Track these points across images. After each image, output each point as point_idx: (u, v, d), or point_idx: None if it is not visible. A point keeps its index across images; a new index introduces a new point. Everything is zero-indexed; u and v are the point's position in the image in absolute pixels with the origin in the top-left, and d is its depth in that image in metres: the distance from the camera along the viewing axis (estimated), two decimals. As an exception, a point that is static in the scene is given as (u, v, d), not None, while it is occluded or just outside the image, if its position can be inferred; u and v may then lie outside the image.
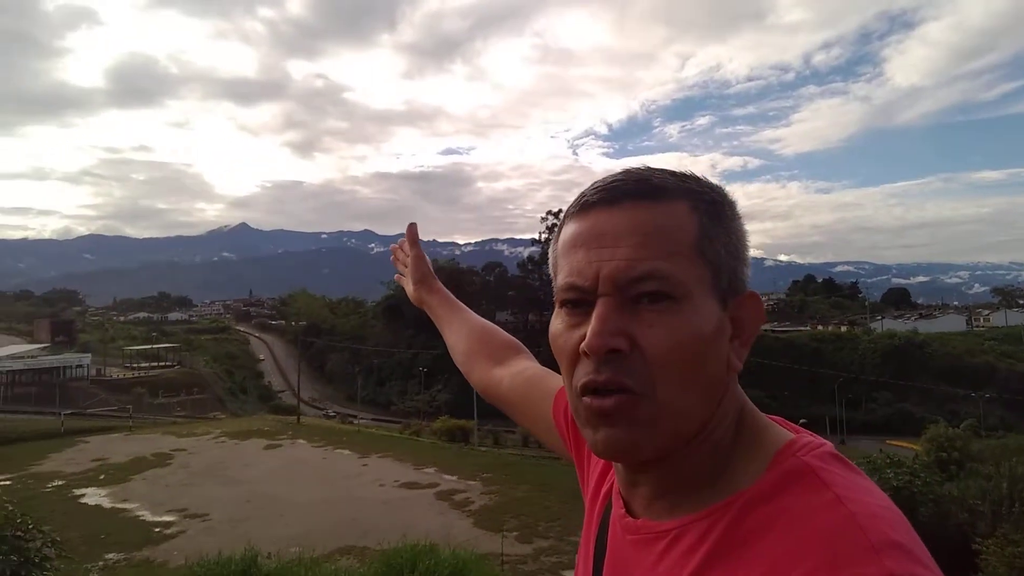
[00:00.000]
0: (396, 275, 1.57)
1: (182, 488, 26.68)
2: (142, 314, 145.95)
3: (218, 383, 76.51)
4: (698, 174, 0.69)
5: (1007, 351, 65.96)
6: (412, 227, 1.47)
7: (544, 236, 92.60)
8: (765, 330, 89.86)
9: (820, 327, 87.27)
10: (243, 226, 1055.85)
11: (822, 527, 0.53)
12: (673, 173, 0.68)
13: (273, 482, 27.80)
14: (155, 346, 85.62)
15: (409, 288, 1.50)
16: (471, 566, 9.11)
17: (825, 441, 0.64)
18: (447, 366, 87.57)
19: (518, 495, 26.66)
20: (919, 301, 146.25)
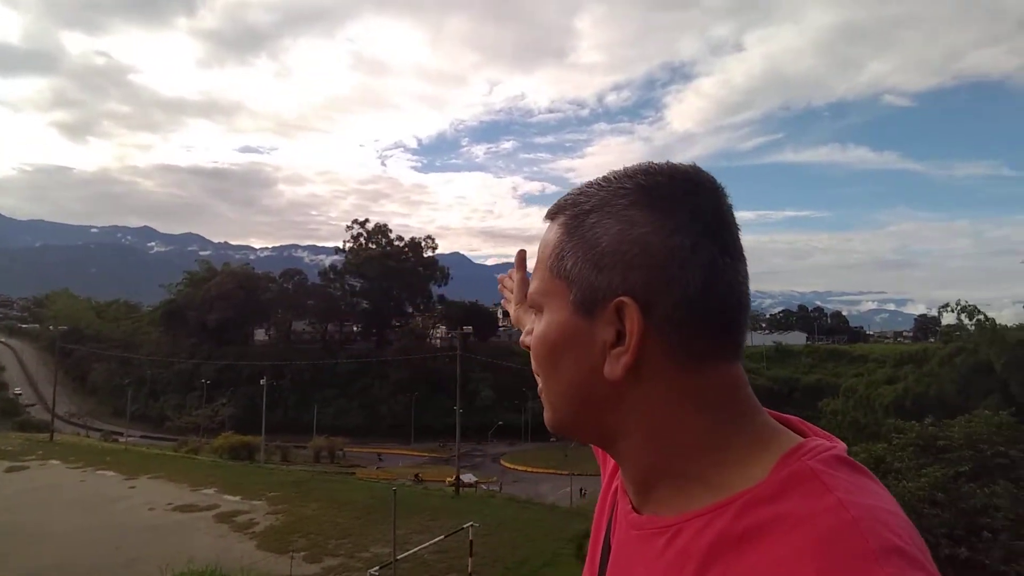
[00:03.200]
0: (503, 300, 1.50)
1: None
2: None
3: (-54, 396, 65.19)
4: (623, 169, 0.70)
5: (749, 367, 75.92)
6: (521, 253, 1.41)
7: (349, 245, 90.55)
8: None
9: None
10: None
11: (823, 532, 0.53)
12: (599, 182, 0.70)
13: (19, 510, 24.41)
14: None
15: (512, 310, 1.42)
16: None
17: (836, 443, 0.65)
18: (234, 377, 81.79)
19: (307, 513, 25.83)
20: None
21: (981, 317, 46.44)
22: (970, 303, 47.98)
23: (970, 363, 47.95)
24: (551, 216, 0.73)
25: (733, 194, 0.68)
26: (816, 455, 0.61)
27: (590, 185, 0.71)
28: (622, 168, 0.70)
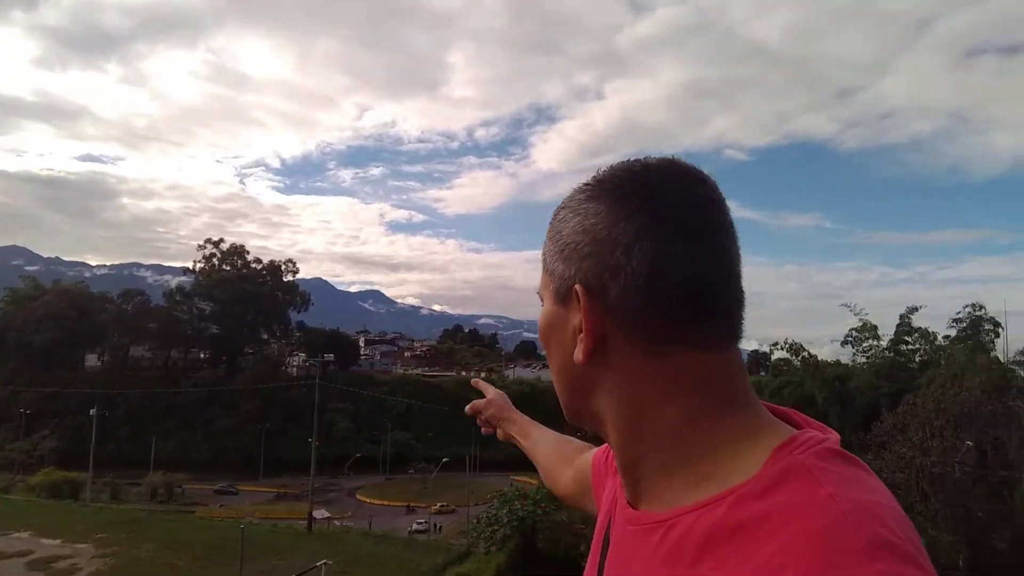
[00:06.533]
0: (484, 430, 1.53)
1: None
2: None
3: None
4: (613, 166, 0.73)
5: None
6: (477, 382, 1.58)
7: (200, 266, 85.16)
8: (418, 375, 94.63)
9: (464, 373, 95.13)
10: None
11: (813, 527, 0.53)
12: (592, 180, 0.73)
13: None
14: None
15: (500, 432, 1.50)
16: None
17: (830, 435, 0.64)
18: (57, 408, 74.44)
19: (141, 555, 23.77)
20: (543, 353, 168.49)
21: (805, 354, 51.65)
22: (796, 341, 53.26)
23: (796, 395, 52.90)
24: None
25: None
26: (809, 448, 0.61)
27: (589, 183, 0.74)
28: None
